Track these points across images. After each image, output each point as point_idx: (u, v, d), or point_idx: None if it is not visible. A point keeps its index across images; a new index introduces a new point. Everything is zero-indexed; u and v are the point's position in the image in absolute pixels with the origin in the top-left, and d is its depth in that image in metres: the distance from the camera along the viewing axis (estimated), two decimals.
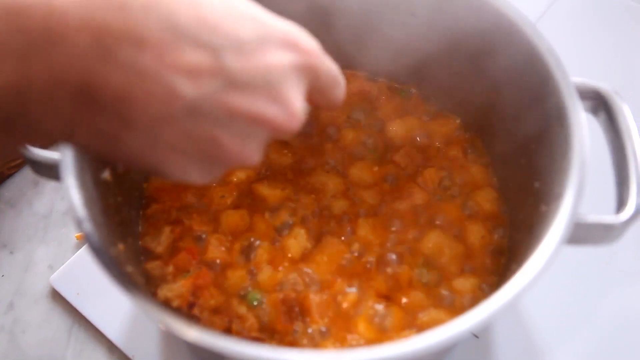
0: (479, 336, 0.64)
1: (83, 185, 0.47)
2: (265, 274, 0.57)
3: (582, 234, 0.45)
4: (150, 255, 0.61)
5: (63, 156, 0.47)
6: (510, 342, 0.63)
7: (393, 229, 0.60)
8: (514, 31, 0.54)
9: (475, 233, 0.60)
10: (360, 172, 0.65)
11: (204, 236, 0.61)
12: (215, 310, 0.56)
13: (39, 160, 0.50)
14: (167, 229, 0.61)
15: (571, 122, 0.49)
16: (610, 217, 0.45)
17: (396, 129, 0.68)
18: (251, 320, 0.54)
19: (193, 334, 0.40)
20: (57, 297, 0.68)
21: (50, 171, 0.51)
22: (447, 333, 0.40)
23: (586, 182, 0.46)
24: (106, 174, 0.54)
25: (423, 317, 0.55)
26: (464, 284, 0.56)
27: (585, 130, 0.48)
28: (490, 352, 0.63)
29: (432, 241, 0.59)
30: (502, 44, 0.56)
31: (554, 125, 0.51)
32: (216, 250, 0.59)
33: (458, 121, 0.68)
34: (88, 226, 0.44)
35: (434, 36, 0.62)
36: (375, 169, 0.65)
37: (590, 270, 0.67)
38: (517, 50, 0.55)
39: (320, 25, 0.66)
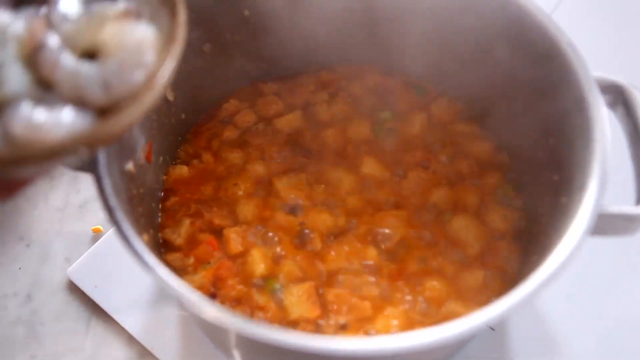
0: (494, 328, 0.64)
1: (111, 175, 0.48)
2: (288, 265, 0.58)
3: (604, 225, 0.46)
4: (169, 247, 0.61)
5: None
6: (525, 333, 0.64)
7: (413, 220, 0.61)
8: (534, 26, 0.55)
9: (496, 222, 0.61)
10: (374, 167, 0.65)
11: (224, 229, 0.61)
12: (237, 301, 0.57)
13: None
14: (187, 221, 0.62)
15: (592, 115, 0.49)
16: (632, 208, 0.46)
17: (411, 123, 0.68)
18: (273, 311, 0.55)
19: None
20: (74, 289, 0.68)
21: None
22: (473, 323, 0.41)
23: (609, 173, 0.46)
24: (130, 165, 0.54)
25: (443, 310, 0.55)
26: (483, 275, 0.57)
27: (606, 123, 0.49)
28: (505, 343, 0.64)
29: (455, 228, 0.60)
30: (522, 38, 0.57)
31: (574, 118, 0.52)
32: (237, 244, 0.59)
33: (474, 116, 0.68)
34: (119, 215, 0.45)
35: (452, 32, 0.63)
36: (390, 163, 0.66)
37: (605, 263, 0.67)
38: (537, 44, 0.55)
39: (338, 20, 0.67)
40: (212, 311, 0.41)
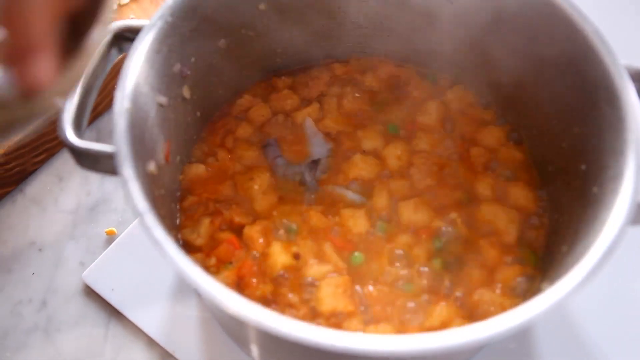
0: None
1: (138, 177, 0.46)
2: (315, 259, 0.57)
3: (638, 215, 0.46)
4: (190, 247, 0.60)
5: (118, 147, 0.46)
6: (548, 326, 0.64)
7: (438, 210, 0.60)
8: (558, 14, 0.54)
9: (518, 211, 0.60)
10: (393, 155, 0.64)
11: (245, 228, 0.60)
12: (264, 301, 0.56)
13: (87, 151, 0.49)
14: (206, 221, 0.61)
15: (624, 104, 0.49)
16: None
17: (427, 113, 0.68)
18: (304, 310, 0.54)
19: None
20: (90, 293, 0.67)
21: (97, 163, 0.50)
22: (520, 319, 0.40)
23: None
24: (152, 166, 0.53)
25: (476, 298, 0.55)
26: (512, 268, 0.57)
27: (638, 111, 0.48)
28: (527, 336, 0.64)
29: (481, 216, 0.60)
30: (546, 28, 0.56)
31: (602, 107, 0.51)
32: (260, 242, 0.58)
33: (491, 104, 0.68)
34: (150, 218, 0.44)
35: (473, 22, 0.62)
36: (407, 154, 0.65)
37: (628, 252, 0.67)
38: (561, 33, 0.55)
39: (352, 11, 0.66)
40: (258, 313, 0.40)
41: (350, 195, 0.61)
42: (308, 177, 0.62)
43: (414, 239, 0.59)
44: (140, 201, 0.44)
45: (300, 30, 0.67)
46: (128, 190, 0.44)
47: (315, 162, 0.62)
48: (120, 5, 0.82)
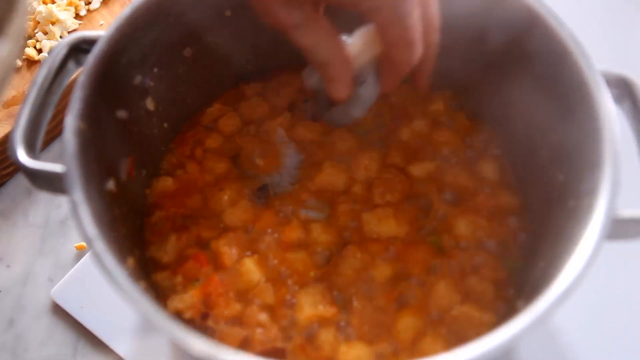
0: None
1: (90, 199, 0.44)
2: (287, 279, 0.55)
3: (618, 230, 0.44)
4: (157, 265, 0.58)
5: (68, 168, 0.44)
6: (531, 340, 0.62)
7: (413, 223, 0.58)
8: (533, 18, 0.52)
9: (495, 228, 0.58)
10: (368, 165, 0.62)
11: (212, 242, 0.58)
12: (233, 320, 0.54)
13: (38, 172, 0.47)
14: (173, 237, 0.59)
15: (600, 113, 0.47)
16: None
17: (404, 121, 0.65)
18: (274, 330, 0.52)
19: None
20: (59, 311, 0.65)
21: (51, 184, 0.48)
22: (496, 341, 0.39)
23: (620, 176, 0.44)
24: (110, 184, 0.51)
25: (455, 312, 0.53)
26: (486, 284, 0.55)
27: (615, 122, 0.46)
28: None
29: (458, 226, 0.58)
30: (520, 31, 0.54)
31: (578, 116, 0.49)
32: (229, 256, 0.56)
33: (468, 111, 0.66)
34: (100, 245, 0.42)
35: (445, 25, 0.59)
36: (380, 166, 0.63)
37: (611, 261, 0.65)
38: (536, 37, 0.52)
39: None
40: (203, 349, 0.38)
41: (304, 213, 0.59)
42: (258, 203, 0.60)
43: (383, 254, 0.57)
44: (90, 227, 0.42)
45: (269, 35, 0.64)
46: (77, 215, 0.42)
47: (262, 189, 0.60)
48: (89, 11, 0.80)
